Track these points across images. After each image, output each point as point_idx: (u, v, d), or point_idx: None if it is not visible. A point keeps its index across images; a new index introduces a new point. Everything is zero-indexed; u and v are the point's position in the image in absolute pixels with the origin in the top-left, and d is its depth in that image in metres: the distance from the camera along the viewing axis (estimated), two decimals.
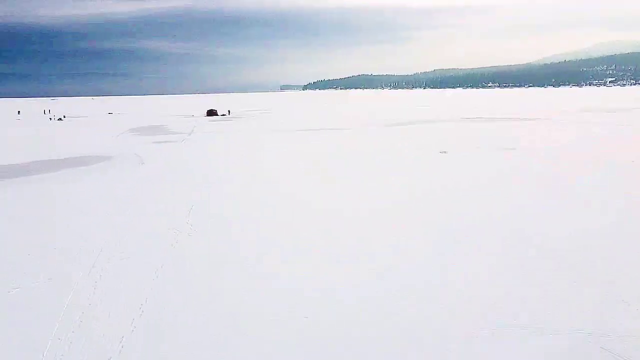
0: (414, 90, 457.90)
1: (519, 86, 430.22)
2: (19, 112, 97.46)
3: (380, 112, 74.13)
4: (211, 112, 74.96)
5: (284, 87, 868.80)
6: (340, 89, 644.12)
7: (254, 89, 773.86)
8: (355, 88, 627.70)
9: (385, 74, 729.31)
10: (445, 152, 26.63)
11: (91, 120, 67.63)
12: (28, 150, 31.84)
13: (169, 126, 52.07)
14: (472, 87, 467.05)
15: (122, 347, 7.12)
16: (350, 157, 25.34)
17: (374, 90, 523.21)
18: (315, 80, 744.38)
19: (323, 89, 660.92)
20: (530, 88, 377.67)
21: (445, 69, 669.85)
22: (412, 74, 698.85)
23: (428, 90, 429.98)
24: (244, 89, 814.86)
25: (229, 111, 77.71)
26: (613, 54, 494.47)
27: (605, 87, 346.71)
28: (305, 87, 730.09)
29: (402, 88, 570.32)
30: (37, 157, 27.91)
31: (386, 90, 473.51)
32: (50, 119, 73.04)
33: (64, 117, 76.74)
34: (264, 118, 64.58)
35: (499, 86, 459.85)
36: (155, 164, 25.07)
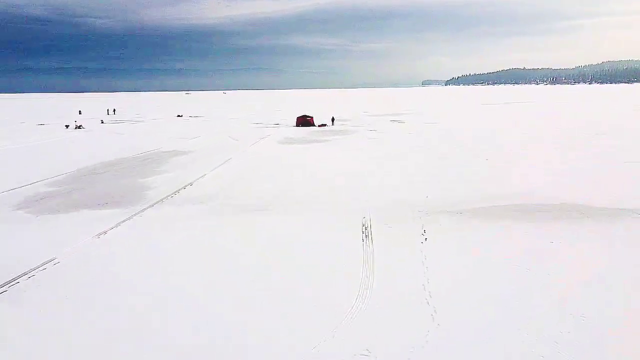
0: (579, 85, 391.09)
1: None
2: (80, 112, 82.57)
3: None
4: (304, 121, 47.11)
5: (425, 83, 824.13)
6: (488, 84, 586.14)
7: (393, 84, 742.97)
8: (504, 83, 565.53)
9: (540, 67, 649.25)
10: None
11: (120, 132, 45.79)
12: None
13: (178, 162, 26.81)
14: None
15: None
16: None
17: (530, 85, 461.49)
18: (459, 75, 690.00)
19: (467, 84, 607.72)
20: None
21: (617, 61, 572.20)
22: (574, 67, 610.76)
23: (598, 85, 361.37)
24: (383, 84, 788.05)
25: (332, 119, 49.59)
26: None
27: None
28: (447, 83, 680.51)
29: (561, 83, 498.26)
30: None
31: (542, 86, 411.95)
32: (67, 126, 52.78)
33: (102, 121, 59.06)
34: (391, 137, 36.10)
35: None
36: None
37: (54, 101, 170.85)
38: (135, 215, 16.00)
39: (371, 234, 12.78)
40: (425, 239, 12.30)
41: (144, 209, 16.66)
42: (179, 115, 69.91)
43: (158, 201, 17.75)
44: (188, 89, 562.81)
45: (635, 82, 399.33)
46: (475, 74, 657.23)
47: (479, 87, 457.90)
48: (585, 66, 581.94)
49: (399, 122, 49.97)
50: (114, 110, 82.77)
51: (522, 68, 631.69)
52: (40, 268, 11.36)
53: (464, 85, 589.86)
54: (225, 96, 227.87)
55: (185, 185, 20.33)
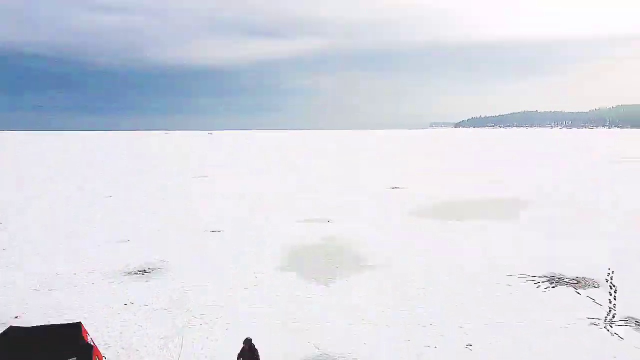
0: (606, 129, 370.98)
1: None
2: None
3: None
4: None
5: (433, 124, 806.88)
6: (499, 127, 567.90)
7: (400, 126, 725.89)
8: (518, 126, 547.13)
9: (553, 110, 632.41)
10: None
11: None
12: None
13: None
14: None
15: None
16: None
17: (544, 128, 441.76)
18: (469, 117, 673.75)
19: (478, 127, 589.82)
20: None
21: (633, 105, 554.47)
22: (588, 110, 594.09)
23: (629, 130, 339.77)
24: (388, 125, 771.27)
25: None
26: None
27: None
28: (457, 125, 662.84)
29: (579, 127, 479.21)
30: None
31: (565, 130, 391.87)
32: None
33: None
34: None
35: None
36: None
37: None
38: None
39: None
40: None
41: None
42: None
43: None
44: (174, 128, 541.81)
45: None
46: (485, 117, 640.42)
47: (495, 130, 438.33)
48: (599, 109, 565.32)
49: None
50: None
51: (535, 111, 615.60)
52: None
53: (474, 127, 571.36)
54: (209, 137, 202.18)
55: None
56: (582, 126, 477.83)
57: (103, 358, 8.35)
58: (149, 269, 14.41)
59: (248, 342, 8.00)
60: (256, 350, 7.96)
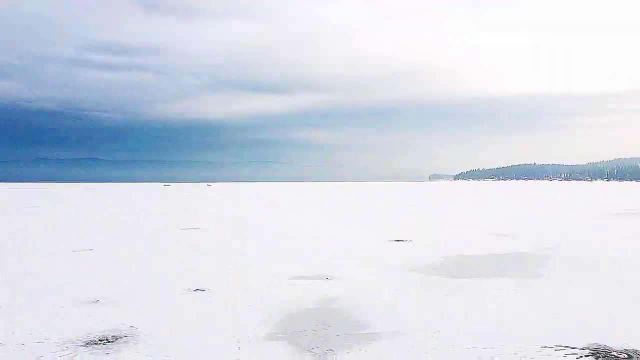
0: (606, 182, 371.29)
1: None
2: None
3: None
4: None
5: (433, 177, 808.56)
6: (498, 179, 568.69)
7: (400, 178, 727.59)
8: (517, 179, 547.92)
9: (551, 163, 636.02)
10: None
11: None
12: None
13: None
14: None
15: None
16: None
17: (543, 181, 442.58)
18: (468, 170, 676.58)
19: (477, 179, 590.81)
20: None
21: (629, 158, 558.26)
22: (586, 163, 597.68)
23: (616, 182, 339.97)
24: (389, 177, 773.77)
25: None
26: None
27: None
28: (457, 177, 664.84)
29: (577, 179, 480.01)
30: None
31: (563, 182, 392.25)
32: None
33: None
34: None
35: None
36: None
37: None
38: None
39: None
40: None
41: None
42: None
43: None
44: (175, 180, 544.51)
45: None
46: (484, 169, 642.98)
47: (494, 182, 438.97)
48: (596, 163, 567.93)
49: None
50: None
51: (533, 163, 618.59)
52: None
53: (473, 180, 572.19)
54: (208, 188, 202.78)
55: None
56: (581, 178, 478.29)
57: None
58: (112, 337, 12.06)
59: None
60: None
